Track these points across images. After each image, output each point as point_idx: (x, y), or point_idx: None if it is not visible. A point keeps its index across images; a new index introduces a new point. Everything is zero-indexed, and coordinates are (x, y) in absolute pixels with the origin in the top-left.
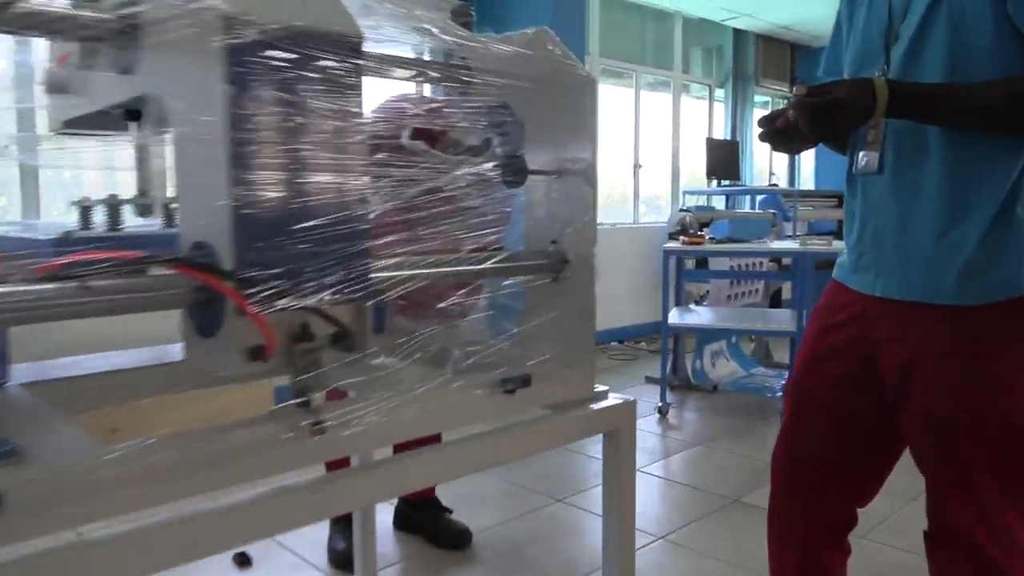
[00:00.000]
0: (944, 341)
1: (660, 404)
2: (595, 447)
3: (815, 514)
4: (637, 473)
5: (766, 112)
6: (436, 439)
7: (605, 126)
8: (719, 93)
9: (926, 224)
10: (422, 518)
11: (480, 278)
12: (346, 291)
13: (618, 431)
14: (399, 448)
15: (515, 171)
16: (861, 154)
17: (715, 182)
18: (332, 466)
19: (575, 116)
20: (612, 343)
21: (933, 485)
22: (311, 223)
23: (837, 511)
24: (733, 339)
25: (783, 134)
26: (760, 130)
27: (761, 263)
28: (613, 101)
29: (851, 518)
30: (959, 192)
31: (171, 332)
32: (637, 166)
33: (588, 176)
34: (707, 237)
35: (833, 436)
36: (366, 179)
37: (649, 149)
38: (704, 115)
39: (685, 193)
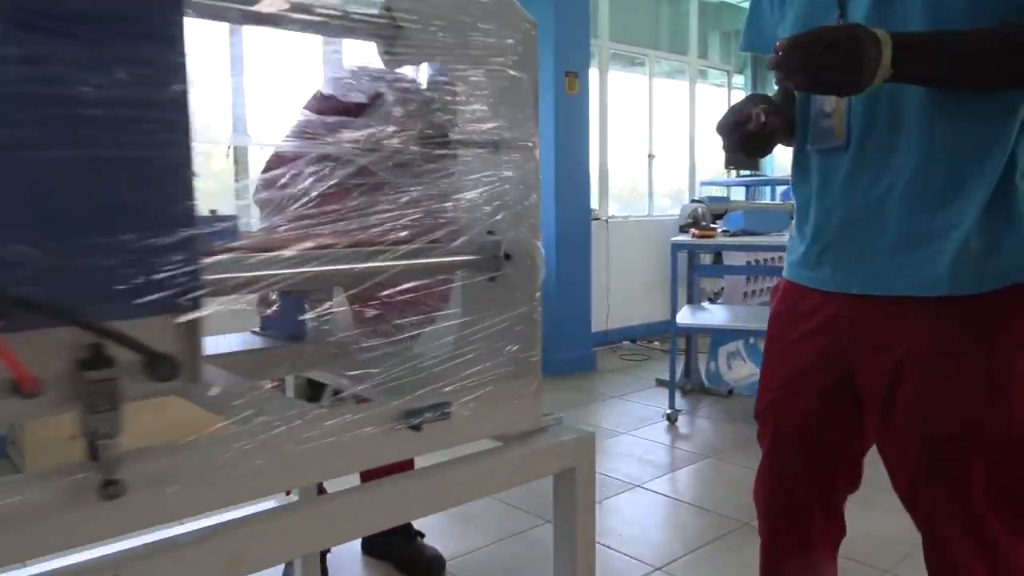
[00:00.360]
0: (941, 339)
1: (668, 411)
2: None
3: (818, 539)
4: (638, 490)
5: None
6: (408, 465)
7: (617, 115)
8: (738, 80)
9: (910, 205)
10: (391, 543)
11: (379, 277)
12: (147, 300)
13: (572, 472)
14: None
15: (435, 142)
16: (819, 126)
17: (734, 173)
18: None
19: (515, 74)
20: (624, 342)
21: (926, 504)
22: (94, 207)
23: (834, 521)
24: (751, 339)
25: (753, 141)
26: (723, 140)
27: (781, 258)
28: (625, 89)
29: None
30: (949, 164)
31: None
32: (651, 156)
33: (529, 149)
34: (720, 230)
35: (821, 455)
36: (191, 146)
37: (665, 139)
38: (723, 103)
39: (702, 184)
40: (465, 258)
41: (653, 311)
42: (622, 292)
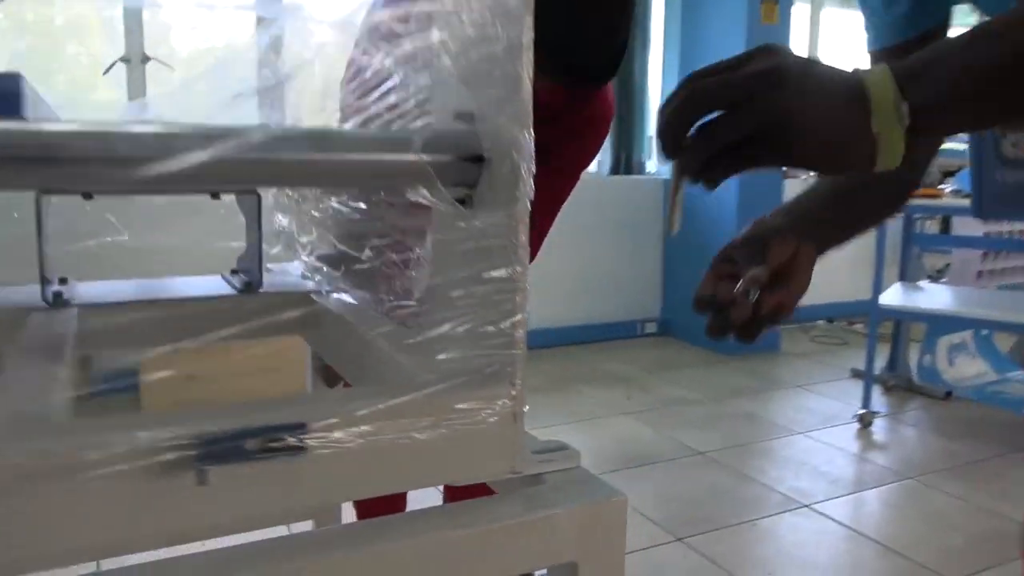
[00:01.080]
0: None
1: (862, 411)
2: (754, 462)
3: None
4: (807, 511)
5: None
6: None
7: (830, 58)
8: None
9: None
10: None
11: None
12: None
13: (573, 569)
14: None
15: None
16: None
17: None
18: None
19: None
20: (819, 321)
21: None
22: None
23: None
24: (984, 331)
25: (751, 328)
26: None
27: None
28: (840, 29)
29: None
30: None
31: None
32: None
33: None
34: (948, 190)
35: None
36: None
37: None
38: None
39: None
40: (410, 159)
41: (859, 287)
42: (822, 262)
